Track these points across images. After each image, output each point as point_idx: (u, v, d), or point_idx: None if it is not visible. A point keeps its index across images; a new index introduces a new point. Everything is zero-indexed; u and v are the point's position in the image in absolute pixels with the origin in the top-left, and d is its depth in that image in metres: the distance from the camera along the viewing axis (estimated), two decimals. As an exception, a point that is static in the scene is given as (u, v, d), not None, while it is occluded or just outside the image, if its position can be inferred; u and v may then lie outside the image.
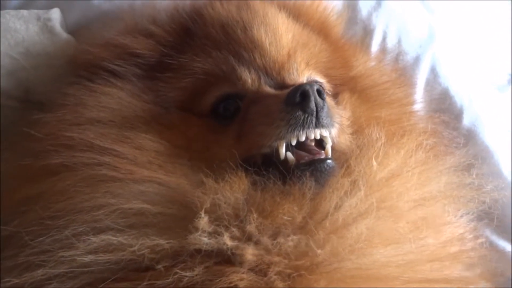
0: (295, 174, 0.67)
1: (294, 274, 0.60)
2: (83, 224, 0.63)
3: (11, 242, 0.68)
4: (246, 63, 0.79)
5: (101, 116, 0.75)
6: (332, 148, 0.74)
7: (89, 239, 0.61)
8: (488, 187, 0.81)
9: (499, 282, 0.84)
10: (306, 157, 0.70)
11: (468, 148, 0.92)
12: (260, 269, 0.60)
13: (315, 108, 0.69)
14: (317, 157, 0.70)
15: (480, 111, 1.07)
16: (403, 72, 1.06)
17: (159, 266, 0.60)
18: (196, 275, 0.59)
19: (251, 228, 0.62)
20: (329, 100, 0.77)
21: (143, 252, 0.60)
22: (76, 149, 0.70)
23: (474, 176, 0.81)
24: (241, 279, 0.59)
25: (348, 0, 1.11)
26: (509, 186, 1.02)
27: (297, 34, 0.86)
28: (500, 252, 0.94)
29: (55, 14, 0.93)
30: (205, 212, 0.62)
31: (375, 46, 1.09)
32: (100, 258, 0.61)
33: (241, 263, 0.60)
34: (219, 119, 0.77)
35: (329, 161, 0.70)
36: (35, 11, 0.93)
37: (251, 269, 0.60)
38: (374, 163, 0.70)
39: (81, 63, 0.84)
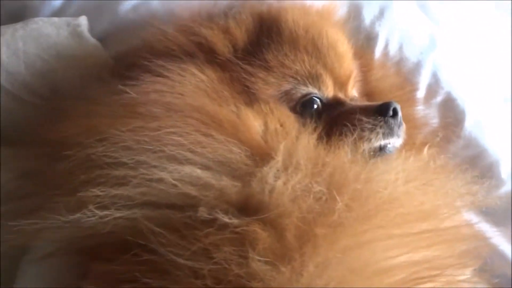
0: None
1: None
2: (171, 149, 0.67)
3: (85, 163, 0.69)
4: (329, 73, 0.91)
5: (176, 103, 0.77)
6: None
7: (177, 167, 0.65)
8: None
9: (499, 282, 0.85)
10: None
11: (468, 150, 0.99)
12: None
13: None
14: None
15: (482, 117, 1.10)
16: (405, 77, 1.11)
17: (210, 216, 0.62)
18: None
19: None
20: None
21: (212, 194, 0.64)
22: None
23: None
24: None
25: (352, 9, 1.15)
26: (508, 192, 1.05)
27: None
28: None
29: (84, 21, 0.98)
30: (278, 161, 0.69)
31: (377, 53, 1.12)
32: (183, 187, 0.64)
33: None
34: (303, 114, 0.87)
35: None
36: (65, 18, 0.98)
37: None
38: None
39: (156, 48, 0.86)
